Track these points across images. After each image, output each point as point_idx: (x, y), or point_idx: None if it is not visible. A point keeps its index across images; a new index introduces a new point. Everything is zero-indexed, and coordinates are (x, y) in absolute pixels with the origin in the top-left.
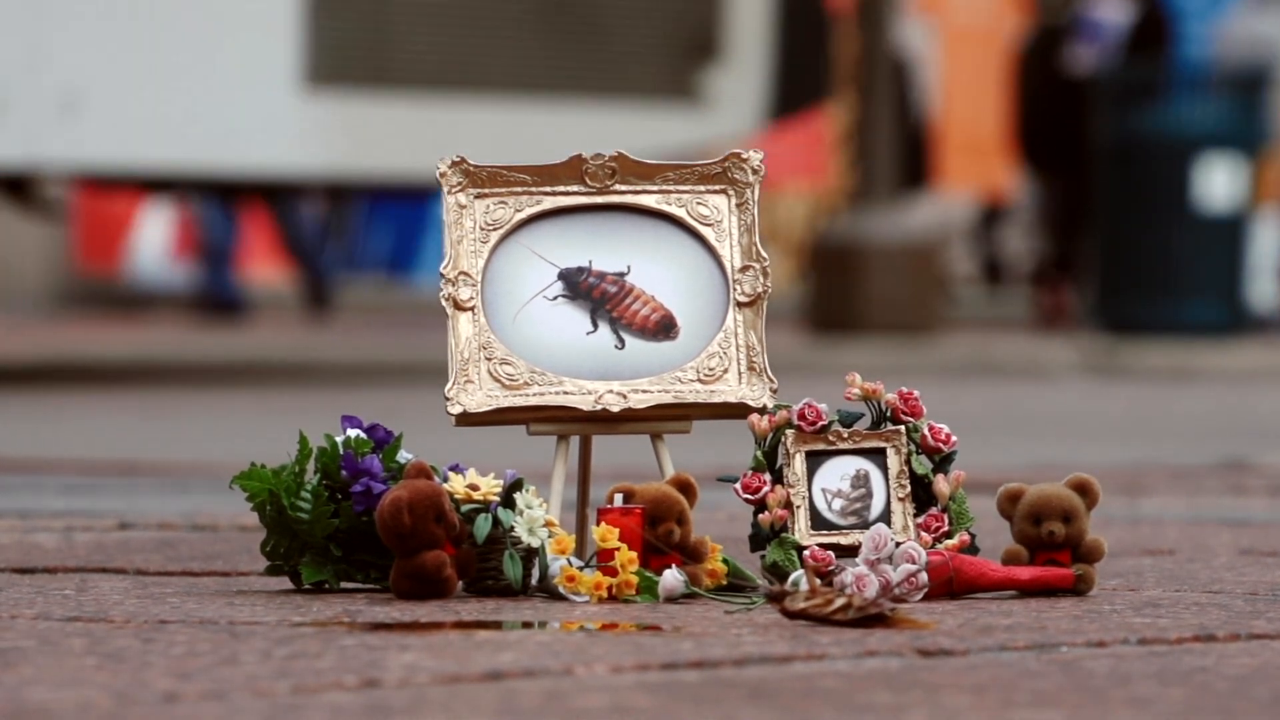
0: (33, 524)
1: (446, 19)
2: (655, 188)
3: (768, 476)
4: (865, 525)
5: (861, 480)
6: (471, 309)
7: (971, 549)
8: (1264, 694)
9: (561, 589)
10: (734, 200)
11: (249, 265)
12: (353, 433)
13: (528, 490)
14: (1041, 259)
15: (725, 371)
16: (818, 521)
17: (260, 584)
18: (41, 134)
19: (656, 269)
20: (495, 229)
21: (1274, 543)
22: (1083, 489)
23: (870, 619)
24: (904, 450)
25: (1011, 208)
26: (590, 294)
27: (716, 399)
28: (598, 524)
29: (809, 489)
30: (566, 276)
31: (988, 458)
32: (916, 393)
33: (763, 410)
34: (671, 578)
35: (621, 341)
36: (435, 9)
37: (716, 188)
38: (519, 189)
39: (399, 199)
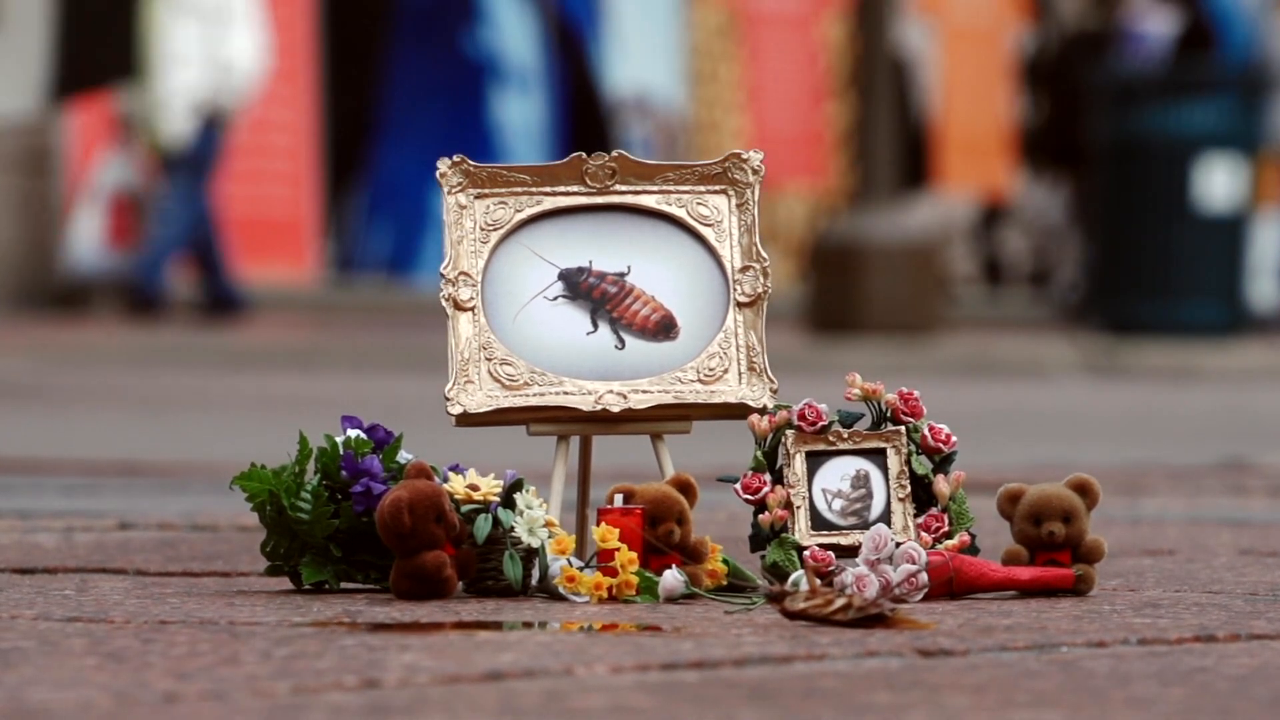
0: (33, 524)
1: None
2: (655, 188)
3: (768, 477)
4: (865, 525)
5: (862, 480)
6: (472, 309)
7: (971, 549)
8: (1264, 694)
9: (561, 589)
10: (734, 200)
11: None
12: (353, 433)
13: (528, 490)
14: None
15: (725, 372)
16: (818, 522)
17: (260, 584)
18: None
19: (656, 269)
20: (495, 229)
21: (1274, 543)
22: (1083, 489)
23: (870, 619)
24: (904, 450)
25: (1011, 208)
26: (590, 294)
27: (716, 399)
28: (598, 524)
29: (809, 489)
30: (567, 277)
31: (988, 458)
32: (916, 393)
33: (763, 410)
34: (671, 578)
35: (621, 342)
36: None
37: (716, 188)
38: (519, 189)
39: None
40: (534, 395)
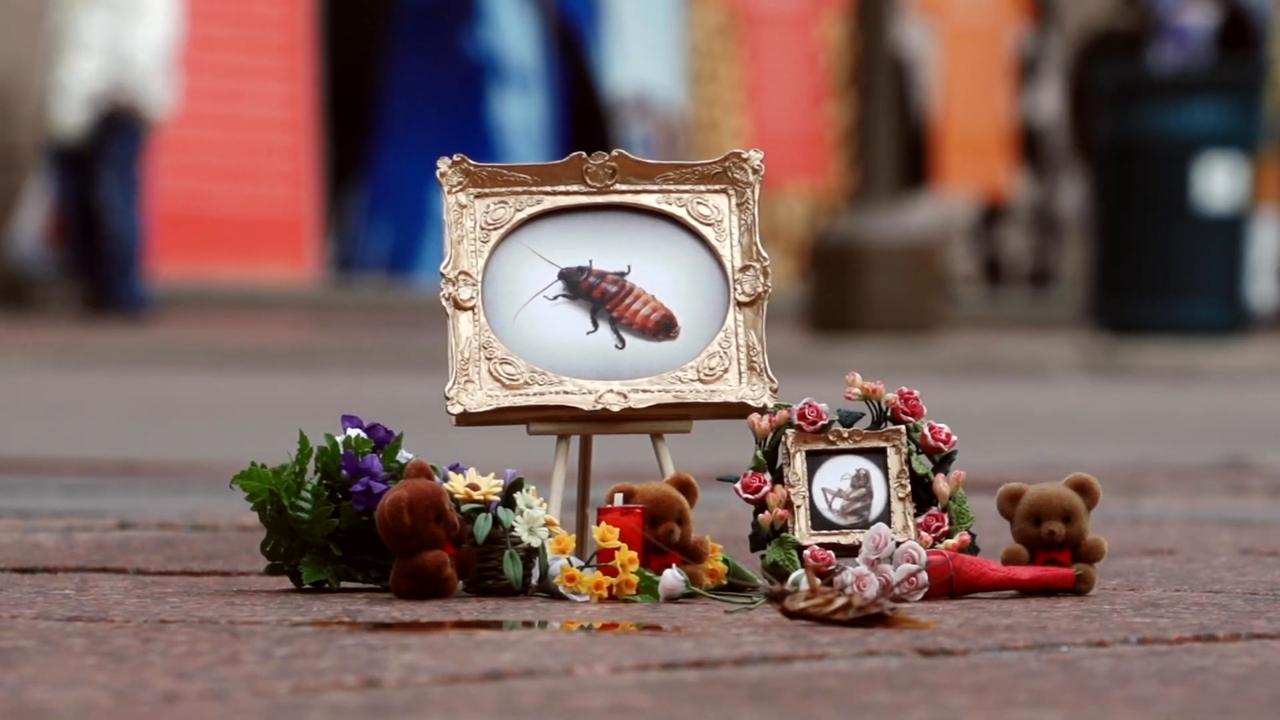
0: (33, 524)
1: None
2: (655, 187)
3: (768, 476)
4: (865, 525)
5: (862, 480)
6: (472, 308)
7: (971, 549)
8: (1264, 694)
9: (561, 589)
10: (734, 200)
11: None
12: (353, 432)
13: (528, 490)
14: None
15: (725, 371)
16: (818, 521)
17: (260, 584)
18: None
19: (657, 269)
20: (496, 228)
21: (1274, 543)
22: (1083, 489)
23: (870, 619)
24: (904, 450)
25: (1011, 207)
26: (590, 294)
27: (717, 399)
28: (598, 524)
29: (809, 489)
30: (567, 276)
31: (988, 457)
32: (917, 392)
33: (763, 410)
34: (671, 578)
35: (622, 341)
36: None
37: (717, 187)
38: (519, 188)
39: None
40: (534, 395)
